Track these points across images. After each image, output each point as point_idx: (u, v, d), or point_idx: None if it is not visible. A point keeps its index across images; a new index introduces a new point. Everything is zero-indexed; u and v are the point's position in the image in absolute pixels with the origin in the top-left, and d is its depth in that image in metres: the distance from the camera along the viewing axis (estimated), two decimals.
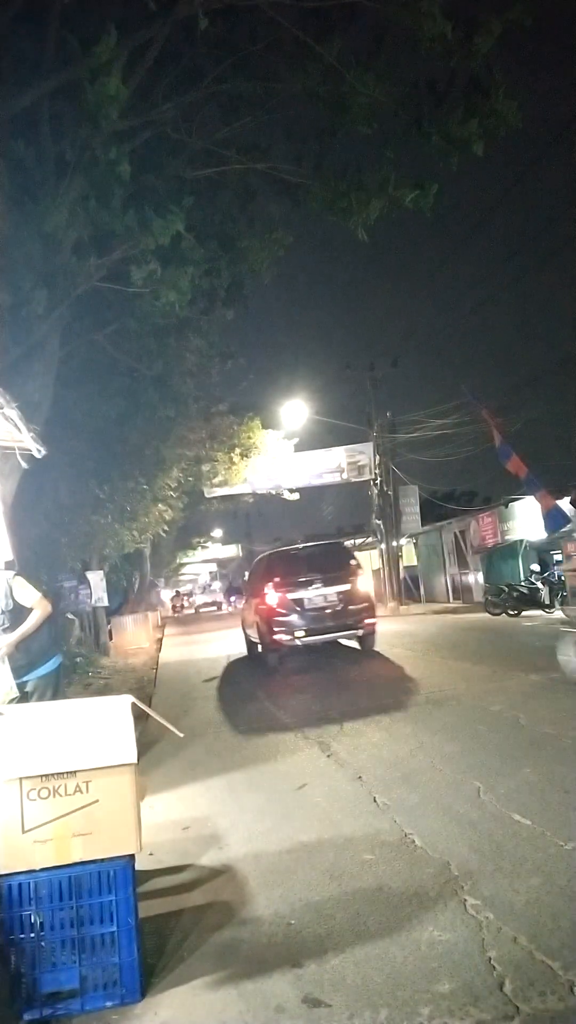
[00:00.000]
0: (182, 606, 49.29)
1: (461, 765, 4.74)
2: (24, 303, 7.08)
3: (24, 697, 4.52)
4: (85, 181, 7.13)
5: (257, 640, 11.29)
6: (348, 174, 8.51)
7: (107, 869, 2.57)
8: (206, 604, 49.35)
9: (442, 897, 2.99)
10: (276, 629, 10.32)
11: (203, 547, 50.22)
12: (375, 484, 23.81)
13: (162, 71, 8.22)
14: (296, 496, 24.61)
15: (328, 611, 10.43)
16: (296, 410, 22.51)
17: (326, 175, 8.70)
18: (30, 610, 4.57)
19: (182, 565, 53.15)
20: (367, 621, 10.62)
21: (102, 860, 2.58)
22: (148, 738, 6.70)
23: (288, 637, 10.31)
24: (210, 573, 63.88)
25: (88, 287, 7.90)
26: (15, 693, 4.36)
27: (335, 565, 10.99)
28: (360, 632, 10.70)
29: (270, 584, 10.67)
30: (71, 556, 15.22)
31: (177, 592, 53.20)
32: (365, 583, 11.15)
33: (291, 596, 10.47)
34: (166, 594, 48.14)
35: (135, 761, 2.67)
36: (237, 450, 18.56)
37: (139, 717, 2.85)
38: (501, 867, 3.19)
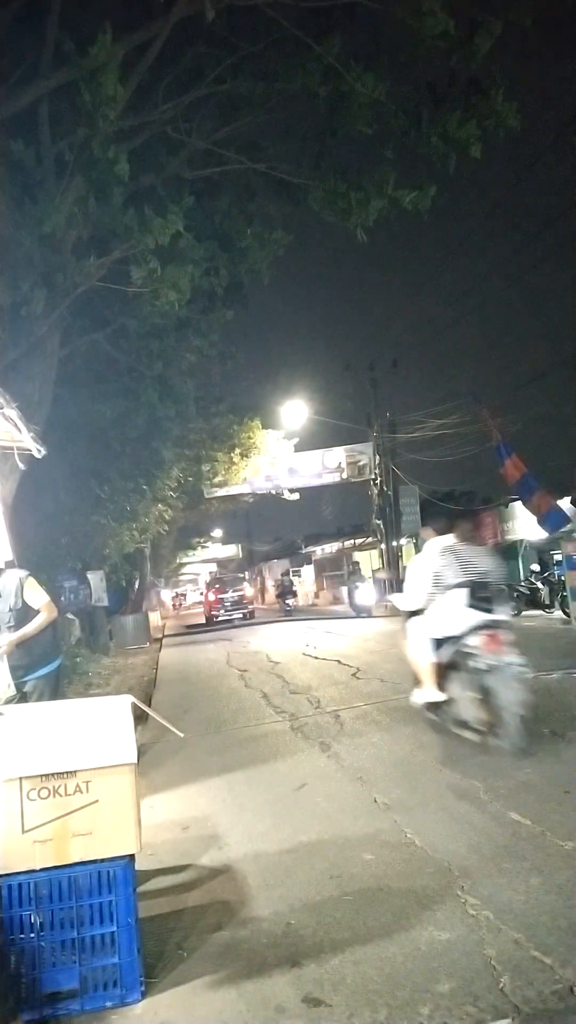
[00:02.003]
0: (180, 604, 65.64)
1: (461, 765, 4.74)
2: (24, 303, 7.09)
3: (23, 698, 4.52)
4: (85, 181, 7.13)
5: (206, 615, 26.80)
6: (348, 174, 8.51)
7: (107, 869, 2.57)
8: (195, 603, 62.17)
9: (442, 897, 2.99)
10: (212, 611, 25.96)
11: (203, 547, 50.33)
12: (375, 484, 23.79)
13: (162, 71, 8.22)
14: (296, 496, 24.62)
15: (233, 603, 26.05)
16: (296, 410, 22.49)
17: (326, 175, 8.70)
18: (36, 611, 4.57)
19: (182, 565, 53.55)
20: (249, 607, 26.70)
21: (102, 860, 2.57)
22: (148, 738, 6.70)
23: (216, 615, 25.61)
24: (210, 573, 64.14)
25: (88, 287, 7.90)
26: (12, 691, 4.36)
27: (237, 583, 27.70)
28: (245, 612, 26.11)
29: (211, 591, 27.11)
30: (71, 556, 15.20)
31: (176, 593, 67.02)
32: (249, 591, 28.11)
33: (219, 597, 26.24)
34: (166, 594, 51.75)
35: (135, 761, 2.67)
36: (237, 450, 18.56)
37: (139, 717, 2.85)
38: (501, 867, 3.19)
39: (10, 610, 4.51)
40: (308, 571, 40.04)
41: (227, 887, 3.41)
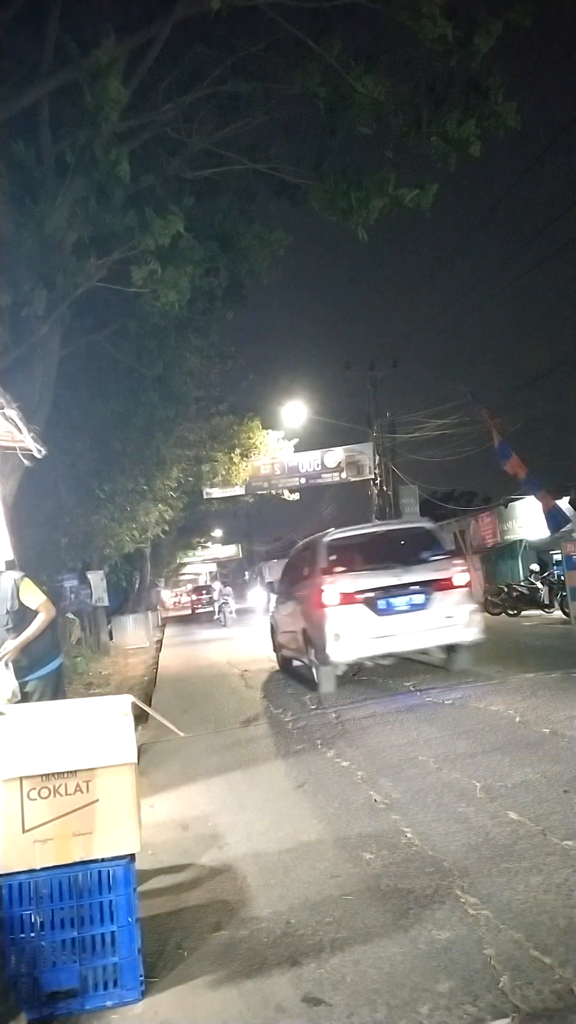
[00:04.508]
0: (178, 603, 73.27)
1: (460, 764, 4.75)
2: (25, 303, 7.10)
3: (24, 698, 4.52)
4: (85, 181, 7.14)
5: (191, 609, 46.27)
6: (348, 174, 8.50)
7: (107, 868, 2.57)
8: (187, 603, 71.25)
9: (441, 896, 2.99)
10: (195, 605, 45.62)
11: (203, 547, 50.46)
12: (375, 484, 23.79)
13: (162, 72, 8.23)
14: (296, 496, 24.62)
15: (207, 600, 38.75)
16: (296, 410, 22.48)
17: (326, 175, 8.69)
18: (34, 612, 4.57)
19: (182, 565, 53.78)
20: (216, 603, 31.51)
21: (102, 860, 2.58)
22: (148, 737, 6.71)
23: (197, 608, 43.71)
24: (210, 573, 64.52)
25: (88, 287, 7.91)
26: (18, 696, 4.37)
27: (209, 591, 39.46)
28: (215, 608, 29.29)
29: (194, 594, 49.70)
30: (71, 556, 15.22)
31: (176, 593, 72.33)
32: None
33: (198, 597, 46.65)
34: (166, 594, 53.41)
35: (135, 760, 2.67)
36: (237, 450, 18.57)
37: (139, 716, 2.86)
38: (499, 866, 3.19)
39: (7, 613, 4.51)
40: None
41: (227, 886, 3.42)
